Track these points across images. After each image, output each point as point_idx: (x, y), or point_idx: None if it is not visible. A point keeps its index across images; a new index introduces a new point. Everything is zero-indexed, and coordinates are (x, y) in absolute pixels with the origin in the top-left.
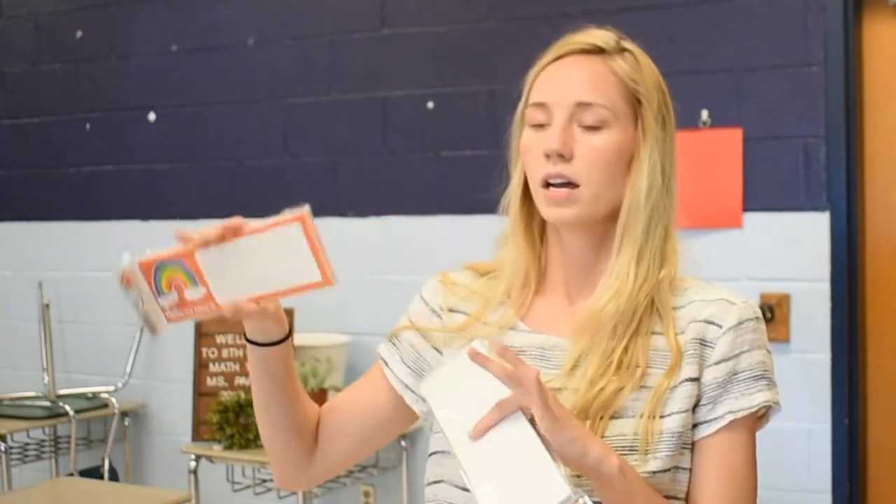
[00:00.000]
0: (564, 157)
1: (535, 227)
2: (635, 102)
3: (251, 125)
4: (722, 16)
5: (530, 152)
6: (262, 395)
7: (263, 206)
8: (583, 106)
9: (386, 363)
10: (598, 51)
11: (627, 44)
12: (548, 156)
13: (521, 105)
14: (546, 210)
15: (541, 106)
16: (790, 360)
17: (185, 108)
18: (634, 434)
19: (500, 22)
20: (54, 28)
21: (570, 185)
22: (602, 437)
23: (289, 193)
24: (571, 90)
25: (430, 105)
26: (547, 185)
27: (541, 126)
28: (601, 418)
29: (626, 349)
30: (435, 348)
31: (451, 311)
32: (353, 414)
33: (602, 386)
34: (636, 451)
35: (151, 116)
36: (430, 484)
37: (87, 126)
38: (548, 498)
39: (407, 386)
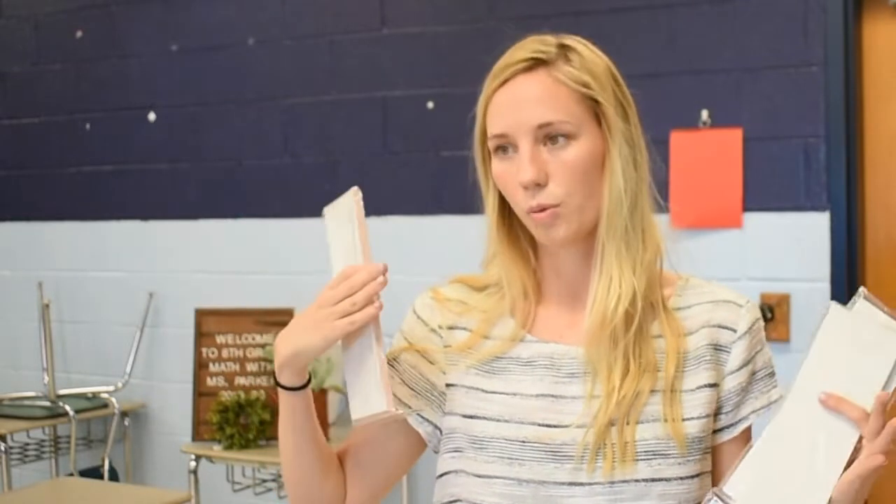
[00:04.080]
0: (541, 185)
1: (524, 242)
2: (592, 104)
3: (251, 125)
4: (722, 16)
5: (506, 183)
6: (302, 441)
7: (263, 206)
8: (544, 127)
9: None
10: (541, 63)
11: (567, 41)
12: (525, 187)
13: (477, 131)
14: (538, 234)
15: (502, 136)
16: (790, 360)
17: (185, 108)
18: (656, 438)
19: (500, 22)
20: (54, 28)
21: (554, 205)
22: (633, 441)
23: (289, 193)
24: (528, 114)
25: (430, 105)
26: (532, 210)
27: (507, 154)
28: (628, 424)
29: (639, 352)
30: (438, 368)
31: (450, 328)
32: (366, 450)
33: (625, 392)
34: (658, 455)
35: (151, 116)
36: None
37: (87, 126)
38: None
39: (410, 408)
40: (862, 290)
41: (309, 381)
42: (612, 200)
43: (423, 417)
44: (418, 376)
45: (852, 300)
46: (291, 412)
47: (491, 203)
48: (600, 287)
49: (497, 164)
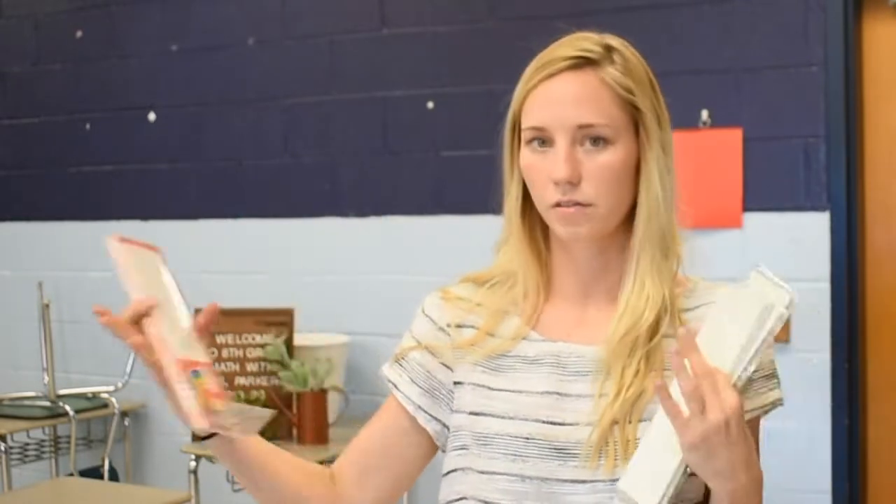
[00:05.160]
0: (573, 183)
1: (539, 236)
2: (633, 110)
3: (251, 125)
4: (722, 16)
5: (535, 175)
6: (251, 480)
7: (263, 206)
8: (584, 128)
9: (395, 386)
10: (589, 62)
11: (611, 41)
12: (557, 184)
13: (510, 119)
14: (561, 229)
15: (540, 129)
16: (790, 360)
17: (185, 108)
18: None
19: (500, 22)
20: (54, 28)
21: (583, 204)
22: (635, 440)
23: (289, 193)
24: (571, 113)
25: (430, 105)
26: (558, 204)
27: (541, 147)
28: (630, 422)
29: (649, 352)
30: (446, 366)
31: (458, 326)
32: (374, 449)
33: (631, 391)
34: None
35: (151, 116)
36: (450, 502)
37: (87, 126)
38: (642, 499)
39: (420, 407)
40: (759, 266)
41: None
42: (650, 207)
43: (431, 415)
44: (427, 375)
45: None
46: (222, 460)
47: (514, 193)
48: (633, 293)
49: (528, 155)
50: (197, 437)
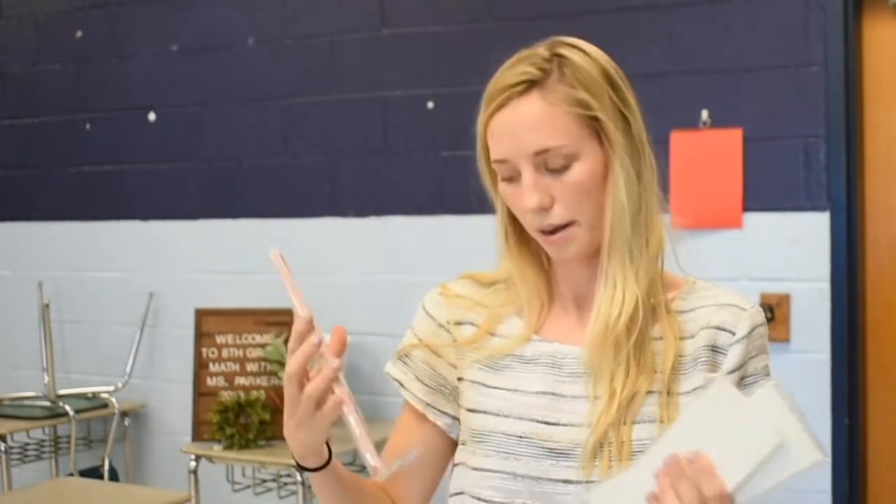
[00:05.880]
0: (546, 208)
1: (534, 245)
2: (590, 120)
3: (251, 125)
4: (722, 16)
5: (514, 205)
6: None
7: (263, 206)
8: (542, 153)
9: (401, 384)
10: (534, 84)
11: (560, 49)
12: (530, 212)
13: (480, 148)
14: (551, 254)
15: (503, 161)
16: (790, 360)
17: (185, 108)
18: (651, 439)
19: (500, 22)
20: (54, 28)
21: (564, 226)
22: (629, 441)
23: (289, 193)
24: (525, 142)
25: (430, 105)
26: (541, 230)
27: (512, 178)
28: (624, 424)
29: (639, 355)
30: (449, 363)
31: (458, 323)
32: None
33: (625, 395)
34: None
35: (151, 116)
36: (452, 495)
37: (87, 126)
38: None
39: (428, 404)
40: (774, 382)
41: (330, 455)
42: (615, 213)
43: (440, 411)
44: (431, 372)
45: (761, 386)
46: (327, 488)
47: (500, 211)
48: (605, 296)
49: (503, 186)
50: (301, 467)
